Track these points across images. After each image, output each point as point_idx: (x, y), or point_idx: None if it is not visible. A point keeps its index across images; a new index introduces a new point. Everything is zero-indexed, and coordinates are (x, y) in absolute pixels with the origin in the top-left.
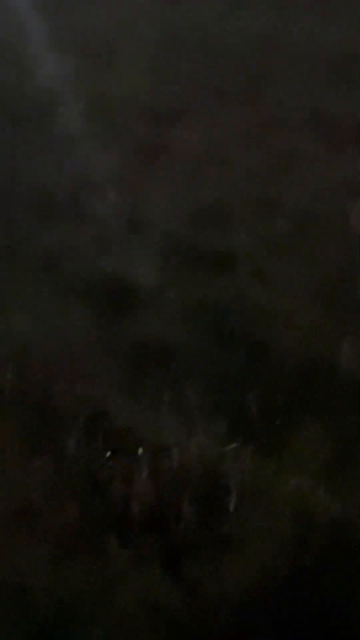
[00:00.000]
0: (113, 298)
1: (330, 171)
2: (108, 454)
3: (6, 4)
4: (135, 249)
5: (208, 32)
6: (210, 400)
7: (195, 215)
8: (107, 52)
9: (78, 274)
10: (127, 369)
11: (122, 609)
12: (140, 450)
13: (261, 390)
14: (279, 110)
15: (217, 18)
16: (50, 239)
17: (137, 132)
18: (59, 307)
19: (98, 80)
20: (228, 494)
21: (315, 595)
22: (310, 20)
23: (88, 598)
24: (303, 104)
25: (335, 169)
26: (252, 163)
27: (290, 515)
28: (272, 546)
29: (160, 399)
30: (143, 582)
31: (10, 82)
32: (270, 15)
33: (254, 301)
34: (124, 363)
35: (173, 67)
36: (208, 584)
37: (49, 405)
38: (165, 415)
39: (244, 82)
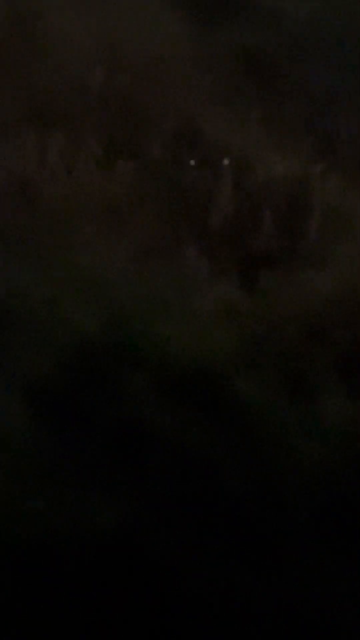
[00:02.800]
0: (209, 3)
1: None
2: (192, 162)
3: None
4: None
5: None
6: (301, 119)
7: None
8: None
9: None
10: (219, 80)
11: (198, 312)
12: (226, 161)
13: (352, 112)
14: None
15: None
16: None
17: None
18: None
19: None
20: (311, 213)
21: None
22: None
23: (165, 299)
24: None
25: None
26: None
27: None
28: (351, 268)
29: (251, 114)
30: (220, 290)
31: None
32: None
33: None
34: (217, 74)
35: None
36: (284, 297)
37: (136, 109)
38: (254, 130)
39: None
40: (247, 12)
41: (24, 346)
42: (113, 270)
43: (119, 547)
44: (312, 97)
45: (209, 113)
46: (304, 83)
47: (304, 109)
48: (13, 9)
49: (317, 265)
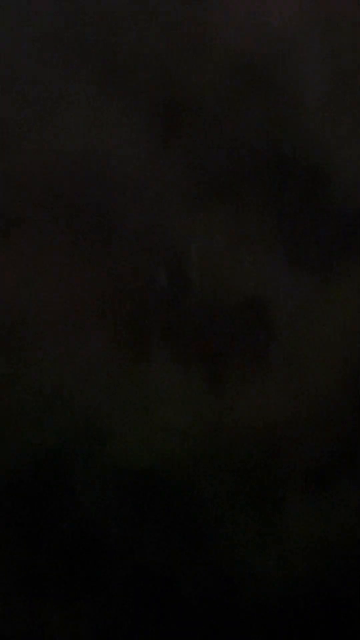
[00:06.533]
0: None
1: None
2: (162, 274)
3: None
4: None
5: None
6: (269, 229)
7: None
8: None
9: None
10: (186, 192)
11: (160, 420)
12: (195, 273)
13: (316, 223)
14: None
15: None
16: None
17: None
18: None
19: None
20: (276, 321)
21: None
22: None
23: (128, 406)
24: None
25: None
26: None
27: (340, 349)
28: (316, 377)
29: (220, 226)
30: (185, 398)
31: None
32: None
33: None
34: (181, 187)
35: None
36: (249, 407)
37: (103, 217)
38: (223, 240)
39: None
40: (208, 133)
41: None
42: (74, 378)
43: None
44: (278, 209)
45: (178, 225)
46: (269, 198)
47: (271, 218)
48: None
49: (284, 378)
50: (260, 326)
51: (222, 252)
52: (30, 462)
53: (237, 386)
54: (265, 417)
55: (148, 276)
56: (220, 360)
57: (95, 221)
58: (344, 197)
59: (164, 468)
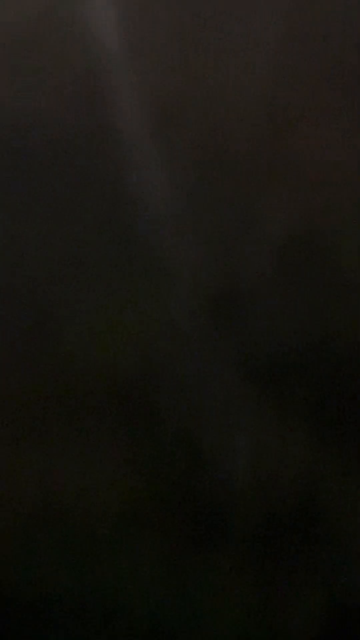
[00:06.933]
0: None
1: None
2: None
3: None
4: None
5: None
6: (313, 415)
7: None
8: None
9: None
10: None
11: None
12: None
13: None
14: None
15: None
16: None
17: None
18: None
19: None
20: (330, 519)
21: None
22: None
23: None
24: None
25: None
26: None
27: None
28: None
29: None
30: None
31: None
32: None
33: None
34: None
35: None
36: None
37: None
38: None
39: None
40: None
41: None
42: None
43: None
44: (326, 396)
45: (223, 417)
46: (317, 387)
47: (318, 406)
48: None
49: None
50: (313, 527)
51: (267, 447)
52: None
53: (288, 587)
54: (316, 612)
55: (192, 479)
56: (273, 567)
57: (143, 406)
58: None
59: None
